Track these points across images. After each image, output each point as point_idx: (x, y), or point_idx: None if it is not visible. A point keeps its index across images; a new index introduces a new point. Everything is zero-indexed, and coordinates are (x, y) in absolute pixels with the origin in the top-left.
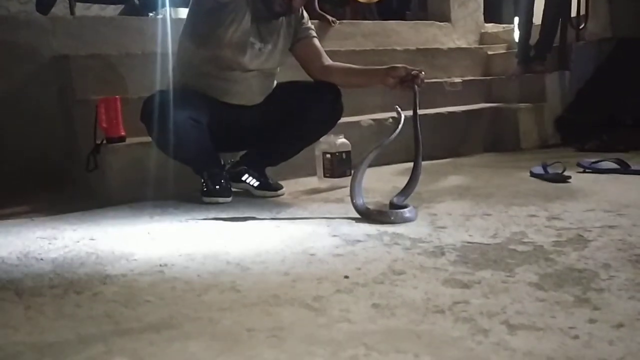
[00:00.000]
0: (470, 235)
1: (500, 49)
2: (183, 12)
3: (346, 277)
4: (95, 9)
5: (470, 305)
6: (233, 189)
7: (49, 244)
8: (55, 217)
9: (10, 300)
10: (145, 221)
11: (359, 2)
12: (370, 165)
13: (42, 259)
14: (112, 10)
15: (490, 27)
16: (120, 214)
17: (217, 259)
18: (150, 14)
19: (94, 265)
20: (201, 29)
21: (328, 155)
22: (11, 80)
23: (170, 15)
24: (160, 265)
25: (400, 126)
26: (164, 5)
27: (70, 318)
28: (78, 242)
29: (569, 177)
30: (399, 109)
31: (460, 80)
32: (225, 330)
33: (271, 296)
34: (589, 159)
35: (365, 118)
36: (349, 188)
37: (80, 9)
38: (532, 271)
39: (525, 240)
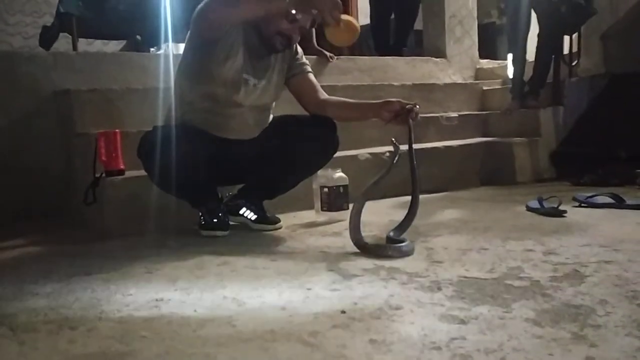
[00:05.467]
0: (466, 270)
1: (495, 85)
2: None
3: (343, 312)
4: (97, 45)
5: (467, 341)
6: (231, 223)
7: (45, 278)
8: (51, 251)
9: (3, 335)
10: (143, 255)
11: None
12: (368, 199)
13: (37, 294)
14: (114, 46)
15: (485, 63)
16: (118, 247)
17: (213, 293)
18: (152, 49)
19: (89, 300)
20: (195, 66)
21: (325, 189)
22: (12, 114)
23: (171, 50)
24: (156, 300)
25: (396, 158)
26: (166, 41)
27: (65, 354)
28: (74, 276)
29: (565, 212)
30: (396, 142)
31: (456, 115)
32: None
33: (267, 331)
34: (584, 193)
35: (362, 152)
36: (347, 221)
37: (82, 44)
38: (529, 307)
39: (522, 275)
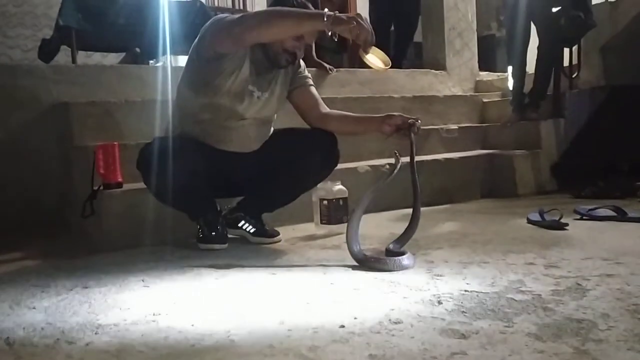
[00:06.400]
0: (467, 284)
1: (495, 97)
2: (183, 60)
3: (342, 326)
4: (96, 57)
5: (468, 356)
6: (229, 235)
7: (42, 291)
8: (50, 264)
9: (1, 350)
10: (140, 268)
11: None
12: (367, 211)
13: (34, 308)
14: (113, 58)
15: (485, 75)
16: (116, 260)
17: (212, 306)
18: (151, 62)
19: (87, 314)
20: (200, 77)
21: (325, 202)
22: (11, 126)
23: (170, 63)
24: (154, 314)
25: (396, 170)
26: (164, 53)
27: None
28: (71, 290)
29: (566, 224)
30: (398, 154)
31: (456, 127)
32: None
33: (266, 346)
34: (585, 206)
35: (362, 164)
36: (345, 234)
37: (81, 56)
38: (530, 321)
39: (523, 289)
